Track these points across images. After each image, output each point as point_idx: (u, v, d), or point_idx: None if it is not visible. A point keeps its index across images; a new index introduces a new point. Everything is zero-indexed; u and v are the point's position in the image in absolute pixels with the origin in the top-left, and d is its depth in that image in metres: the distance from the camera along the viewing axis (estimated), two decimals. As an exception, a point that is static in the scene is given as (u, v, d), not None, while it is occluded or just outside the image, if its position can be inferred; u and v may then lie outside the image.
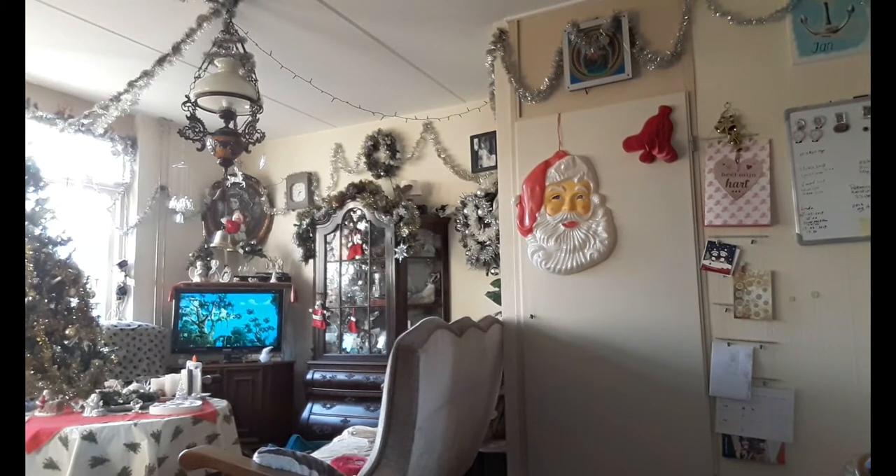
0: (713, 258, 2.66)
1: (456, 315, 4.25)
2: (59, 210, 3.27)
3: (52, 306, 3.06)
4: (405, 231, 4.04)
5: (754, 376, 2.53)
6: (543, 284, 3.02)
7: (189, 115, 2.88)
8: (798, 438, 2.46)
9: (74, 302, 3.21)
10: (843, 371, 2.39)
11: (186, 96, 2.89)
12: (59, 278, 3.11)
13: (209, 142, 2.93)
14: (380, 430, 1.70)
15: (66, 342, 3.05)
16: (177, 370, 4.04)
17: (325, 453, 2.54)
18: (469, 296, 4.21)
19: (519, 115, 3.19)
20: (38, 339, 2.95)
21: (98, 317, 3.35)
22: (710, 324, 2.65)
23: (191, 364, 3.03)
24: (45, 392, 2.78)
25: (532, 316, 3.04)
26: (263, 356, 4.31)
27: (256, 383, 4.23)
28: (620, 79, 2.93)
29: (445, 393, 1.99)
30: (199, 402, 2.82)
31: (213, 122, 3.01)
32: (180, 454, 1.77)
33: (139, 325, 4.19)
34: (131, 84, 3.22)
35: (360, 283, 4.27)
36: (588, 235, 2.90)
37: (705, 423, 2.62)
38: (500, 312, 3.19)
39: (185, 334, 4.31)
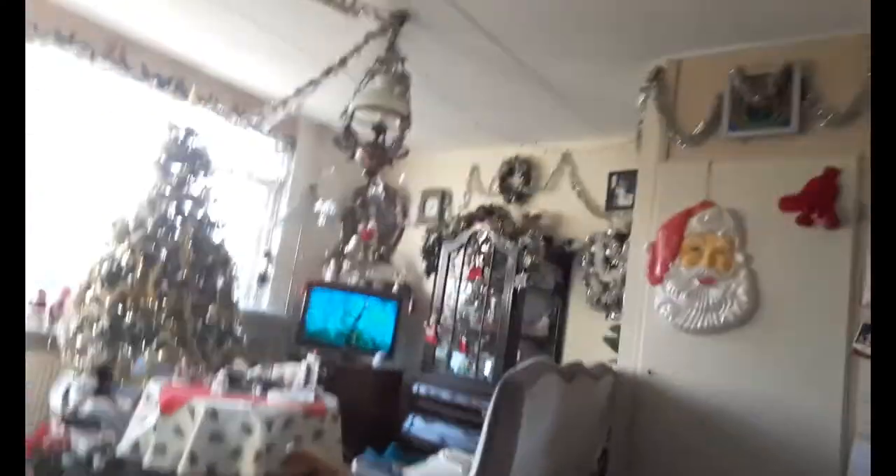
0: (867, 343, 2.38)
1: (568, 353, 4.15)
2: (220, 196, 3.63)
3: (201, 284, 3.39)
4: (528, 260, 4.01)
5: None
6: (667, 340, 2.87)
7: (345, 125, 3.09)
8: None
9: (220, 283, 3.53)
10: None
11: (345, 107, 3.09)
12: (211, 259, 3.45)
13: (358, 152, 3.11)
14: (475, 465, 1.70)
15: (207, 319, 3.36)
16: (298, 359, 4.31)
17: (418, 474, 2.57)
18: (584, 336, 4.09)
19: (666, 158, 3.07)
20: (185, 313, 3.28)
21: (237, 300, 3.66)
22: (856, 418, 2.37)
23: (311, 357, 3.21)
24: (182, 361, 3.07)
25: (650, 371, 2.89)
26: (376, 360, 4.47)
27: (366, 385, 4.38)
28: (785, 133, 2.73)
29: (546, 438, 1.95)
30: (312, 397, 2.97)
31: (366, 133, 3.19)
32: (290, 451, 1.88)
33: (272, 313, 4.52)
34: (299, 90, 3.51)
35: (475, 304, 4.30)
36: (725, 296, 2.71)
37: (836, 525, 2.34)
38: (615, 360, 3.06)
39: (311, 327, 4.58)
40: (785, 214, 2.63)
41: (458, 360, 4.32)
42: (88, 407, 3.12)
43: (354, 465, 1.82)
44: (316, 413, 2.85)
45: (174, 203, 3.44)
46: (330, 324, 4.62)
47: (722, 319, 2.70)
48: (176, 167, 3.48)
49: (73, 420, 3.04)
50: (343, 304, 4.65)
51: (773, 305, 2.62)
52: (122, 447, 2.72)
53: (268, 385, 3.02)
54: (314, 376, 3.13)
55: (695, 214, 2.88)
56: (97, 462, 2.87)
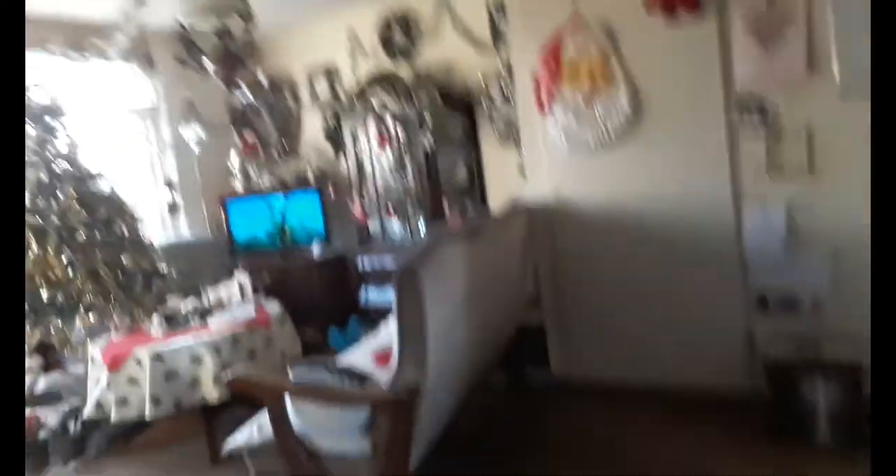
0: (746, 120, 2.46)
1: (493, 195, 4.23)
2: (93, 143, 3.36)
3: (106, 239, 3.26)
4: (429, 118, 3.92)
5: (790, 233, 2.45)
6: (568, 164, 2.93)
7: (182, 39, 2.79)
8: (833, 293, 2.42)
9: (124, 230, 3.40)
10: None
11: (179, 24, 2.78)
12: (104, 210, 3.28)
13: (207, 64, 2.85)
14: (395, 347, 1.80)
15: (124, 269, 3.28)
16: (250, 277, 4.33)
17: (371, 347, 2.72)
18: (504, 175, 4.15)
19: (526, -21, 2.90)
20: (100, 271, 3.19)
21: (150, 240, 3.55)
22: (743, 184, 2.54)
23: (238, 274, 3.22)
24: (114, 316, 3.05)
25: (558, 196, 2.99)
26: (316, 251, 4.51)
27: (314, 277, 4.47)
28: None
29: (460, 297, 2.05)
30: (252, 310, 3.03)
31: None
32: (227, 381, 1.95)
33: (195, 239, 4.43)
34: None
35: (392, 172, 4.27)
36: (610, 109, 2.73)
37: (738, 282, 2.61)
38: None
39: (241, 240, 4.54)
40: (652, 17, 2.57)
41: (393, 228, 4.39)
42: (42, 385, 3.15)
43: (291, 373, 1.91)
44: (260, 324, 2.93)
45: (43, 168, 3.18)
46: (259, 231, 4.58)
47: (611, 132, 2.74)
48: (28, 129, 3.16)
49: (33, 401, 3.08)
50: (265, 209, 4.58)
51: (656, 107, 2.66)
52: (88, 410, 2.79)
53: (205, 313, 3.05)
54: (248, 290, 3.17)
55: (567, 35, 2.79)
56: (73, 428, 2.96)
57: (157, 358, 2.68)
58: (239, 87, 4.35)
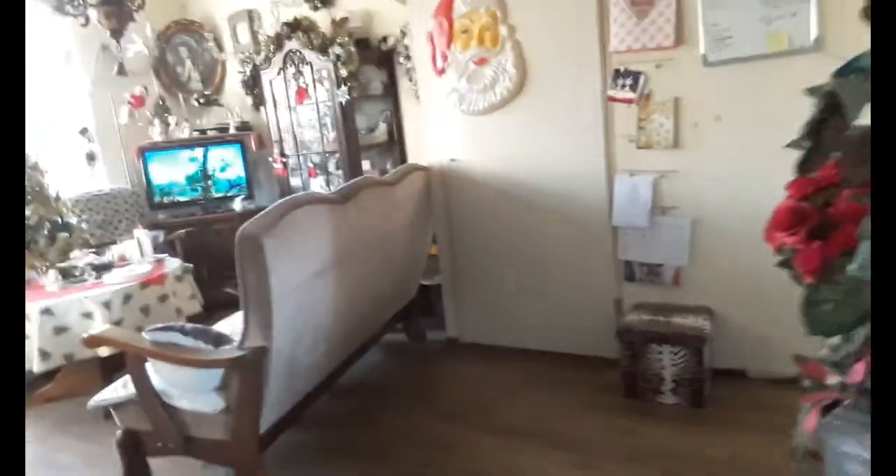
0: (618, 87, 2.51)
1: (412, 151, 4.24)
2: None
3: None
4: (344, 71, 3.87)
5: (655, 205, 2.55)
6: (460, 127, 2.96)
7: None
8: (693, 262, 2.54)
9: (27, 184, 3.35)
10: (742, 195, 2.37)
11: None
12: (-1, 162, 3.22)
13: (93, 15, 2.76)
14: (242, 308, 1.86)
15: (28, 222, 3.25)
16: (157, 227, 4.32)
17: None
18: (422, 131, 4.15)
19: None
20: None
21: (57, 192, 3.51)
22: (615, 155, 2.60)
23: (138, 232, 3.24)
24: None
25: (452, 159, 3.02)
26: (237, 205, 4.51)
27: (234, 231, 4.47)
28: None
29: (323, 260, 2.10)
30: (149, 268, 3.06)
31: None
32: (83, 337, 2.01)
33: (112, 189, 4.38)
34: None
35: (311, 127, 4.23)
36: (497, 72, 2.74)
37: (609, 251, 2.72)
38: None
39: (160, 191, 4.50)
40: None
41: (316, 185, 4.39)
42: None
43: (145, 334, 1.97)
44: (154, 281, 2.97)
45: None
46: (178, 183, 4.54)
47: (498, 96, 2.76)
48: None
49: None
50: (184, 160, 4.52)
51: (538, 71, 2.67)
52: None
53: (103, 268, 3.07)
54: (147, 248, 3.18)
55: (459, -7, 2.76)
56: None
57: (46, 311, 2.71)
58: (130, 39, 4.20)
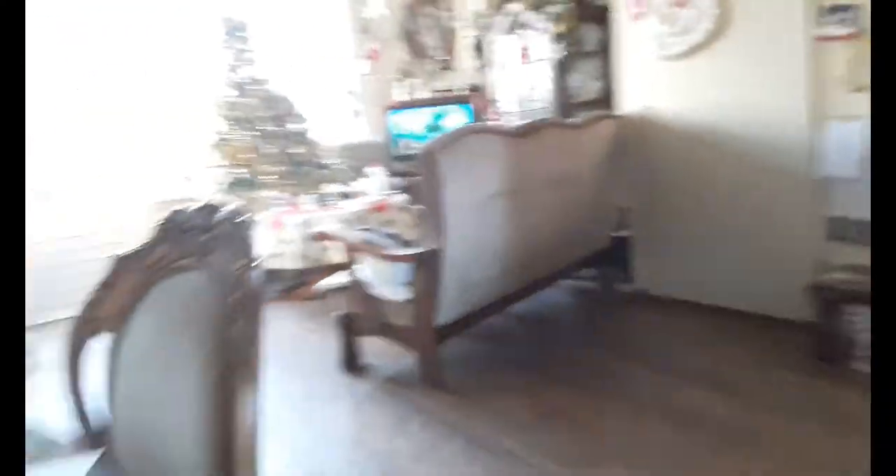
0: (830, 25, 2.32)
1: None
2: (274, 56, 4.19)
3: (281, 132, 4.14)
4: (562, 27, 4.06)
5: (866, 156, 2.31)
6: (656, 73, 2.98)
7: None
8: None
9: (299, 127, 4.26)
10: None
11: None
12: (280, 109, 4.15)
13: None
14: (421, 217, 2.27)
15: (294, 158, 4.16)
16: (399, 175, 5.07)
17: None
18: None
19: None
20: (278, 157, 4.10)
21: (317, 139, 4.38)
22: (822, 100, 2.41)
23: (373, 170, 3.89)
24: (282, 192, 3.95)
25: (647, 107, 3.06)
26: (461, 159, 5.04)
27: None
28: None
29: (497, 185, 2.40)
30: (378, 199, 3.70)
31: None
32: (314, 233, 2.62)
33: (364, 141, 5.23)
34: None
35: (529, 85, 4.52)
36: (699, 13, 2.71)
37: (810, 206, 2.54)
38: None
39: (399, 145, 5.24)
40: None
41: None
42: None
43: (355, 232, 2.49)
44: (380, 208, 3.59)
45: (240, 73, 4.12)
46: (417, 138, 5.22)
47: (697, 39, 2.73)
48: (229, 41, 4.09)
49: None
50: (422, 118, 5.18)
51: (737, 13, 2.57)
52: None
53: (346, 197, 3.80)
54: (380, 184, 3.83)
55: (662, -64, 2.77)
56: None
57: (303, 223, 3.50)
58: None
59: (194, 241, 0.94)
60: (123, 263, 1.07)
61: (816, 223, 2.53)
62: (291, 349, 3.08)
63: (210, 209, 0.96)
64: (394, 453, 2.04)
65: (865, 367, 2.20)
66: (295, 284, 3.98)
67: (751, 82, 2.60)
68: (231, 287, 0.84)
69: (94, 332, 1.06)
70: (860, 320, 2.20)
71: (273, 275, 3.88)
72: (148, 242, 1.06)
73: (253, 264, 0.84)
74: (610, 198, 3.24)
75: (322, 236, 2.60)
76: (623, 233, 3.49)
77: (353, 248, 2.48)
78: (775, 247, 2.67)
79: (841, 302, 2.24)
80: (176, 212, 1.02)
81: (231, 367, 0.78)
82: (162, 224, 1.04)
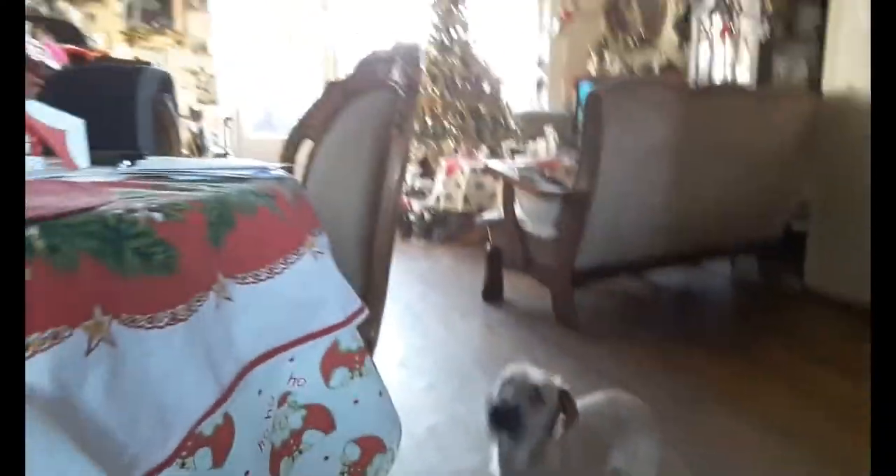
0: None
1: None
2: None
3: (473, 91, 4.46)
4: (771, 7, 3.85)
5: None
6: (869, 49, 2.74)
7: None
8: None
9: (489, 89, 4.56)
10: None
11: None
12: (476, 70, 4.47)
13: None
14: (578, 157, 2.39)
15: (482, 116, 4.46)
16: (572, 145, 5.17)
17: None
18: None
19: None
20: (465, 112, 4.43)
21: (506, 101, 4.64)
22: None
23: (548, 129, 4.06)
24: (463, 144, 4.28)
25: (851, 86, 2.84)
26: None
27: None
28: None
29: (659, 139, 2.44)
30: (549, 158, 3.86)
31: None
32: (482, 167, 2.86)
33: (550, 111, 5.40)
34: None
35: (730, 65, 4.33)
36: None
37: None
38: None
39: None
40: None
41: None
42: (417, 184, 4.66)
43: (516, 169, 2.69)
44: (549, 165, 3.74)
45: (444, 32, 4.51)
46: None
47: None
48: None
49: (410, 193, 4.62)
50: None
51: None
52: (430, 200, 4.14)
53: (517, 153, 4.01)
54: (552, 145, 3.98)
55: None
56: (426, 216, 4.40)
57: (473, 172, 3.79)
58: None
59: (381, 69, 1.16)
60: (331, 87, 1.37)
61: None
62: (444, 280, 3.40)
63: (394, 52, 1.17)
64: (515, 360, 2.24)
65: None
66: (458, 230, 4.30)
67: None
68: (399, 95, 1.03)
69: (303, 136, 1.36)
70: None
71: (441, 217, 4.24)
72: (349, 73, 1.33)
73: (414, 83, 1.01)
74: (791, 184, 3.06)
75: (487, 170, 2.85)
76: (798, 227, 3.27)
77: (510, 183, 2.68)
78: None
79: None
80: (371, 52, 1.27)
81: (386, 143, 0.97)
82: (360, 60, 1.30)
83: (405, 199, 4.58)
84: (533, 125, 5.28)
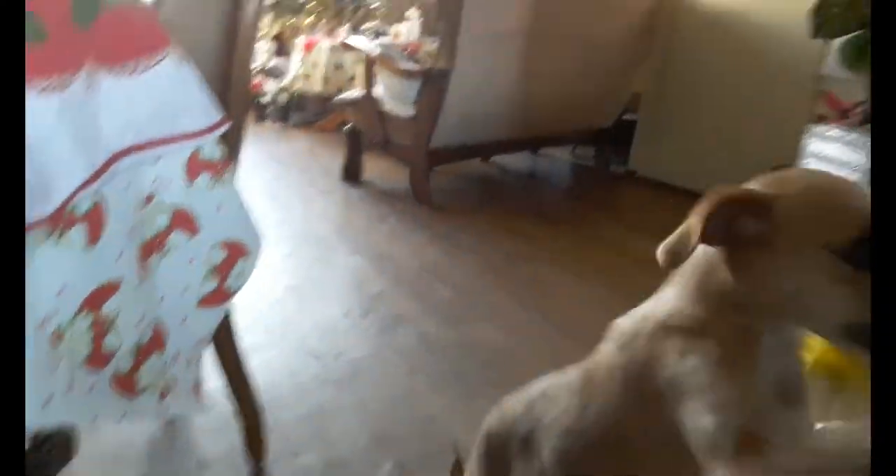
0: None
1: None
2: None
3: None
4: None
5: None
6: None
7: None
8: None
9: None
10: None
11: None
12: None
13: None
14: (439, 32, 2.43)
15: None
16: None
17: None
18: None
19: None
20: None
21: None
22: None
23: (410, 13, 4.00)
24: (324, 20, 4.10)
25: (685, -13, 3.09)
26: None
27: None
28: None
29: (514, 24, 2.54)
30: (410, 39, 3.83)
31: None
32: (339, 43, 2.79)
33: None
34: None
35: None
36: None
37: (807, 105, 2.66)
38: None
39: None
40: None
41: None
42: (272, 63, 4.42)
43: (377, 45, 2.67)
44: (413, 48, 3.73)
45: None
46: None
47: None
48: None
49: (262, 72, 4.38)
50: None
51: None
52: (286, 79, 3.97)
53: (381, 34, 3.93)
54: (415, 27, 3.94)
55: None
56: (282, 97, 4.22)
57: (332, 50, 3.67)
58: None
59: None
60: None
61: (806, 119, 2.66)
62: (301, 162, 3.37)
63: None
64: (371, 232, 2.37)
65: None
66: (316, 115, 4.21)
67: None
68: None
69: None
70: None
71: (298, 99, 4.10)
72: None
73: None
74: (626, 76, 3.33)
75: (347, 46, 2.79)
76: (629, 116, 3.62)
77: (370, 60, 2.67)
78: (764, 141, 2.81)
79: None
80: None
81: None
82: None
83: (257, 79, 4.35)
84: (398, 7, 5.14)
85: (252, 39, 0.92)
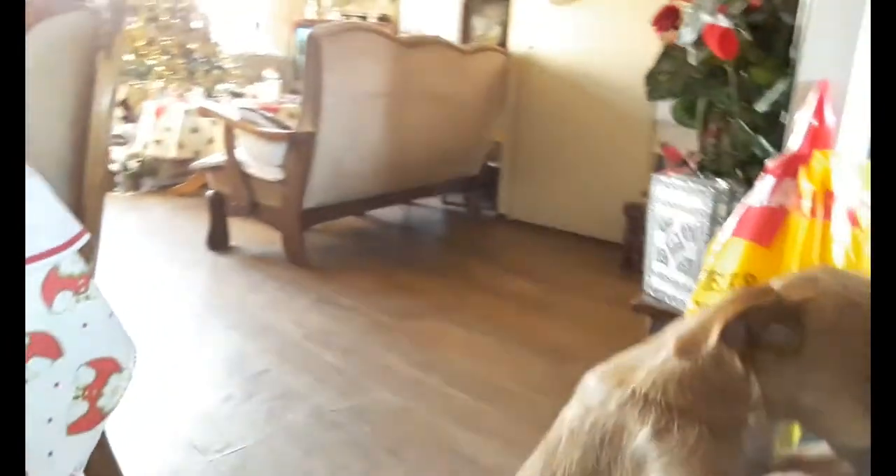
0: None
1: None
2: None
3: (182, 27, 4.08)
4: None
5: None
6: (545, 15, 3.28)
7: None
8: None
9: (199, 25, 4.21)
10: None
11: None
12: (182, 4, 4.08)
13: None
14: (301, 98, 2.43)
15: (193, 55, 4.12)
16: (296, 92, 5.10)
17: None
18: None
19: None
20: (173, 50, 4.05)
21: (217, 41, 4.35)
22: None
23: (267, 73, 3.96)
24: (174, 85, 3.93)
25: (530, 46, 3.36)
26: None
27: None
28: None
29: (379, 85, 2.61)
30: (269, 100, 3.79)
31: None
32: (195, 109, 2.70)
33: (265, 53, 5.21)
34: None
35: (440, 25, 4.70)
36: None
37: (646, 146, 2.96)
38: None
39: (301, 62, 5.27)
40: None
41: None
42: (119, 129, 4.15)
43: (237, 111, 2.61)
44: (271, 109, 3.68)
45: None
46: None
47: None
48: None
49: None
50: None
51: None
52: (136, 146, 3.75)
53: (237, 96, 3.85)
54: (274, 87, 3.91)
55: None
56: (132, 165, 3.96)
57: (187, 114, 3.53)
58: None
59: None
60: None
61: (647, 160, 2.96)
62: (160, 232, 3.16)
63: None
64: (247, 304, 2.25)
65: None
66: (172, 178, 3.99)
67: (615, 32, 2.96)
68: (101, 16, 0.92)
69: None
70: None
71: (151, 165, 3.87)
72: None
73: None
74: (486, 128, 3.53)
75: (204, 111, 2.69)
76: (493, 164, 3.82)
77: (231, 126, 2.60)
78: (613, 179, 3.09)
79: (642, 217, 2.67)
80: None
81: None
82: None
83: (106, 145, 4.06)
84: (253, 67, 5.07)
85: (107, 138, 0.87)
